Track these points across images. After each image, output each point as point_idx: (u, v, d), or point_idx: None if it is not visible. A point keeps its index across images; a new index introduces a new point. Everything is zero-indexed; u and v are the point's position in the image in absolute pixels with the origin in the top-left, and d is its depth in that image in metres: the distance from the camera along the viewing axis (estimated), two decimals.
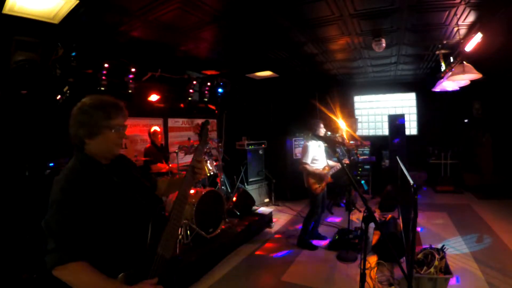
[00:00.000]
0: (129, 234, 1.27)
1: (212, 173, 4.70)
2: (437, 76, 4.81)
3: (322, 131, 4.10)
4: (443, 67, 4.43)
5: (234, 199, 5.12)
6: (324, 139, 3.91)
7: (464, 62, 3.72)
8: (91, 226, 1.16)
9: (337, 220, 5.42)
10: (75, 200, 1.14)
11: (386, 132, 7.69)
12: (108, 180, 1.27)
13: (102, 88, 4.08)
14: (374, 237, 4.14)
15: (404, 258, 3.23)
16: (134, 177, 1.43)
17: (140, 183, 1.43)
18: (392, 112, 7.98)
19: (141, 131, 5.24)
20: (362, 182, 6.86)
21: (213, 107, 6.32)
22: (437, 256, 2.80)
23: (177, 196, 1.44)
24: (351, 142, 6.01)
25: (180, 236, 3.60)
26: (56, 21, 3.02)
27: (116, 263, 1.19)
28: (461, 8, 3.25)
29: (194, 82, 5.66)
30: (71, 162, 1.26)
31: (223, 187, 5.40)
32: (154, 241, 1.29)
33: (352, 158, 4.47)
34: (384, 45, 4.16)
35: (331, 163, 4.21)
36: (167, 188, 1.68)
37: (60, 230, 1.11)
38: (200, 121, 6.24)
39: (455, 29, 3.80)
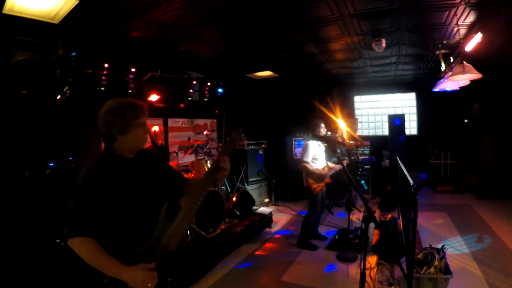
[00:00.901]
0: (137, 221, 1.42)
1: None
2: (437, 76, 4.81)
3: (322, 131, 4.10)
4: (443, 67, 4.43)
5: (234, 199, 5.12)
6: (324, 139, 3.90)
7: (464, 62, 3.72)
8: (101, 209, 1.34)
9: (337, 220, 5.42)
10: (90, 187, 1.35)
11: (386, 132, 7.69)
12: (125, 172, 1.45)
13: (102, 88, 4.08)
14: (374, 237, 4.14)
15: (404, 258, 3.23)
16: (154, 170, 1.58)
17: (159, 177, 1.58)
18: (392, 112, 7.98)
19: None
20: (362, 182, 6.86)
21: (213, 107, 6.33)
22: (437, 256, 2.80)
23: (193, 192, 1.55)
24: (351, 142, 6.01)
25: None
26: (56, 21, 3.02)
27: (121, 244, 1.37)
28: (461, 8, 3.25)
29: (194, 82, 5.65)
30: (99, 155, 1.48)
31: (223, 187, 5.40)
32: (161, 231, 1.43)
33: (352, 158, 4.47)
34: (384, 45, 4.16)
35: (330, 164, 4.22)
36: (195, 185, 1.72)
37: (75, 209, 1.33)
38: (200, 121, 6.24)
39: (455, 29, 3.80)
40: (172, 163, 4.83)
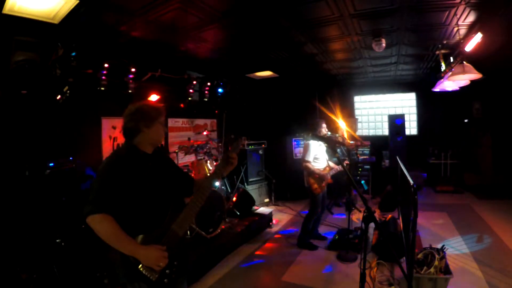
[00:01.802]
0: (151, 208, 1.58)
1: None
2: (437, 76, 4.81)
3: (323, 131, 4.09)
4: (443, 67, 4.43)
5: (234, 199, 5.12)
6: (324, 139, 3.91)
7: (464, 62, 3.72)
8: (120, 193, 1.48)
9: (337, 220, 5.42)
10: (112, 172, 1.50)
11: (386, 132, 7.69)
12: (143, 163, 1.63)
13: (102, 88, 4.08)
14: (374, 237, 4.14)
15: (404, 258, 3.23)
16: (168, 168, 1.80)
17: (171, 174, 1.79)
18: (392, 112, 7.98)
19: None
20: (362, 182, 6.86)
21: (213, 107, 6.33)
22: (437, 256, 2.80)
23: (203, 184, 1.79)
24: (351, 142, 6.02)
25: None
26: (56, 21, 3.02)
27: (137, 226, 1.52)
28: (461, 8, 3.25)
29: (194, 82, 5.65)
30: (121, 147, 1.71)
31: (223, 187, 5.40)
32: (171, 219, 1.60)
33: (352, 158, 4.47)
34: (384, 45, 4.16)
35: (331, 164, 4.21)
36: (199, 182, 1.94)
37: (97, 189, 1.47)
38: (200, 121, 6.24)
39: (455, 29, 3.80)
40: None
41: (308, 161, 3.99)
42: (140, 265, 1.43)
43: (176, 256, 1.56)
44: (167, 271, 1.52)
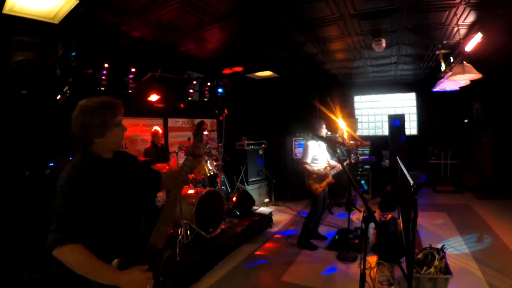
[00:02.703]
0: (124, 223, 1.38)
1: (212, 173, 4.70)
2: (437, 76, 4.81)
3: (323, 131, 4.09)
4: (443, 67, 4.43)
5: (234, 199, 5.12)
6: (324, 139, 3.90)
7: (464, 62, 3.72)
8: (89, 212, 1.27)
9: (337, 220, 5.41)
10: (76, 189, 1.26)
11: (386, 132, 7.69)
12: (107, 172, 1.39)
13: (102, 88, 4.08)
14: (374, 237, 4.14)
15: (404, 258, 3.23)
16: (134, 170, 1.54)
17: (138, 177, 1.54)
18: (392, 112, 7.98)
19: (141, 131, 5.24)
20: (362, 182, 6.86)
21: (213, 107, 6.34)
22: (437, 256, 2.80)
23: (174, 183, 1.56)
24: (351, 142, 6.01)
25: (180, 236, 3.60)
26: (56, 21, 3.02)
27: (111, 248, 1.31)
28: (461, 8, 3.25)
29: (194, 82, 5.66)
30: (76, 157, 1.40)
31: (223, 187, 5.40)
32: (147, 231, 1.40)
33: (352, 156, 4.46)
34: (384, 45, 4.16)
35: (333, 163, 4.20)
36: (167, 179, 1.76)
37: (60, 213, 1.24)
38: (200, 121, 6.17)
39: (455, 29, 3.80)
40: (172, 163, 4.83)
41: (306, 163, 3.99)
42: None
43: (160, 272, 1.41)
44: None
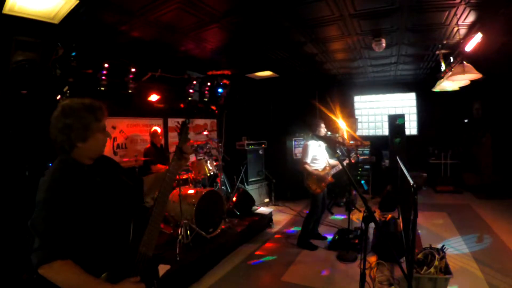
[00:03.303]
0: (111, 233, 1.30)
1: (212, 173, 4.71)
2: (437, 76, 4.81)
3: (322, 131, 4.09)
4: (443, 67, 4.43)
5: (234, 199, 5.12)
6: (324, 139, 3.91)
7: (464, 62, 3.72)
8: (74, 225, 1.18)
9: (337, 220, 5.42)
10: (59, 200, 1.17)
11: (386, 132, 7.69)
12: (90, 180, 1.29)
13: (102, 88, 4.08)
14: (374, 237, 4.14)
15: (404, 258, 3.23)
16: (117, 176, 1.45)
17: (122, 182, 1.45)
18: (392, 112, 7.97)
19: (141, 131, 5.24)
20: (362, 182, 6.86)
21: (213, 107, 6.33)
22: (437, 256, 2.80)
23: (161, 187, 1.43)
24: (351, 142, 6.02)
25: (180, 236, 3.60)
26: (56, 21, 3.02)
27: (100, 261, 1.23)
28: (461, 8, 3.25)
29: (194, 82, 5.65)
30: (55, 164, 1.28)
31: (223, 187, 5.40)
32: (136, 240, 1.34)
33: (352, 155, 4.46)
34: (384, 45, 4.16)
35: (333, 162, 4.20)
36: (153, 183, 1.64)
37: (44, 229, 1.13)
38: (200, 121, 6.22)
39: (455, 29, 3.80)
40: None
41: (306, 162, 3.99)
42: None
43: (151, 280, 1.37)
44: None
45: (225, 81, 6.15)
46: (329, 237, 4.36)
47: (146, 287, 1.28)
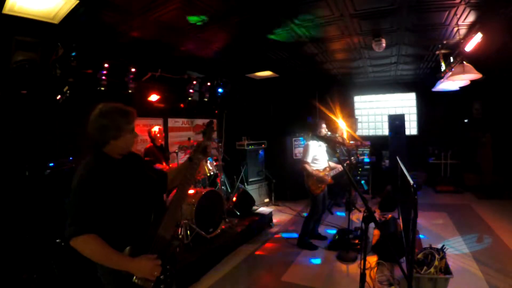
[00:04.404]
0: (133, 215, 1.50)
1: (212, 173, 4.70)
2: (437, 76, 4.81)
3: (323, 131, 4.09)
4: (443, 67, 4.43)
5: (234, 199, 5.12)
6: (324, 139, 3.90)
7: (464, 62, 3.72)
8: (101, 206, 1.40)
9: (337, 220, 5.41)
10: (89, 186, 1.40)
11: (386, 132, 7.69)
12: (117, 171, 1.52)
13: (102, 88, 4.08)
14: (374, 237, 4.14)
15: (404, 258, 3.23)
16: (141, 170, 1.68)
17: (146, 175, 1.67)
18: (392, 112, 7.98)
19: (141, 131, 5.23)
20: (362, 182, 6.86)
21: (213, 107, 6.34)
22: (437, 256, 2.80)
23: (182, 179, 1.68)
24: (351, 142, 6.02)
25: (180, 236, 3.60)
26: (56, 21, 3.02)
27: (122, 239, 1.43)
28: (461, 8, 3.25)
29: (194, 82, 5.65)
30: (90, 156, 1.52)
31: (223, 187, 5.40)
32: (156, 224, 1.53)
33: (352, 158, 4.46)
34: (384, 45, 4.16)
35: (332, 164, 4.20)
36: (176, 176, 1.84)
37: (75, 209, 1.38)
38: (200, 121, 6.22)
39: (455, 29, 3.80)
40: (172, 163, 4.83)
41: (306, 162, 3.99)
42: (134, 277, 1.39)
43: (168, 260, 1.53)
44: (161, 277, 1.48)
45: (225, 81, 6.16)
46: (329, 237, 4.36)
47: (162, 266, 1.44)
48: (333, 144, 3.97)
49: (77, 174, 1.44)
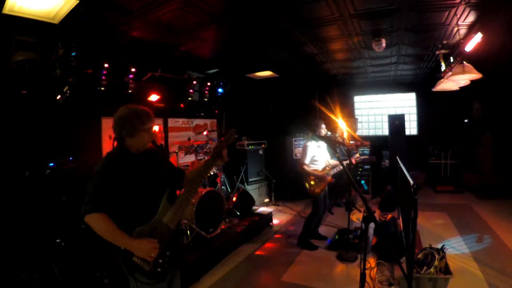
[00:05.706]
0: (141, 203, 1.69)
1: (212, 173, 4.70)
2: (437, 76, 4.80)
3: (323, 131, 4.09)
4: (443, 67, 4.43)
5: (234, 199, 5.12)
6: (324, 139, 3.90)
7: (464, 62, 3.72)
8: (115, 192, 1.62)
9: (337, 220, 5.41)
10: (106, 173, 1.63)
11: (386, 132, 7.69)
12: (133, 164, 1.73)
13: (102, 88, 4.08)
14: (374, 237, 4.14)
15: (404, 258, 3.23)
16: (156, 164, 1.85)
17: (160, 169, 1.85)
18: (392, 112, 7.98)
19: None
20: (362, 182, 6.86)
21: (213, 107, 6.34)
22: (437, 256, 2.80)
23: (193, 178, 1.87)
24: (351, 142, 6.01)
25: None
26: (56, 21, 3.02)
27: (130, 221, 1.64)
28: (461, 8, 3.25)
29: (194, 82, 5.65)
30: (114, 148, 1.77)
31: (223, 187, 5.40)
32: (162, 213, 1.73)
33: (356, 155, 4.45)
34: (384, 45, 4.16)
35: (333, 162, 4.19)
36: (191, 175, 2.00)
37: (94, 190, 1.60)
38: (200, 121, 6.21)
39: (455, 29, 3.80)
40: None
41: (304, 163, 3.98)
42: (134, 257, 1.60)
43: (168, 248, 1.71)
44: (160, 260, 1.66)
45: (225, 81, 6.16)
46: (329, 237, 4.35)
47: (160, 252, 1.65)
48: (333, 144, 3.98)
49: (100, 162, 1.69)
